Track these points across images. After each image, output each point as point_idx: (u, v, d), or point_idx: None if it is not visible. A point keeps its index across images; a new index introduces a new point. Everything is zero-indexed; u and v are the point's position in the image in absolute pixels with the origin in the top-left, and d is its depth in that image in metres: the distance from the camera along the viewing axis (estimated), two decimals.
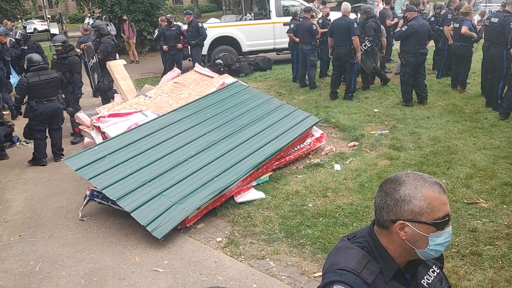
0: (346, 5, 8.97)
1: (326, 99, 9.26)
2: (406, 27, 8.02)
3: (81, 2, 20.98)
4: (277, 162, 5.91)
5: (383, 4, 11.76)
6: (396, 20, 10.62)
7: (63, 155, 6.96)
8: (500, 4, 11.16)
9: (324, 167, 5.92)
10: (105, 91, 9.08)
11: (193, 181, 4.94)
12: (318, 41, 10.25)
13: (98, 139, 6.10)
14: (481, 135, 6.61)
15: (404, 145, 6.40)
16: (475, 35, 8.36)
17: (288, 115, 6.56)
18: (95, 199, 5.06)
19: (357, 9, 11.28)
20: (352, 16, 10.35)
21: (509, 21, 7.08)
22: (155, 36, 14.17)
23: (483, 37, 8.16)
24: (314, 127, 6.66)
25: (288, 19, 11.80)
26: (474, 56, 9.05)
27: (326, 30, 10.22)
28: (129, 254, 4.30)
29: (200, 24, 11.95)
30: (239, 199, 5.13)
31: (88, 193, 5.09)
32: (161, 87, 7.32)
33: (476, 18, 11.02)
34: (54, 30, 25.03)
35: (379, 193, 1.42)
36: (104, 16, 16.47)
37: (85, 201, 5.12)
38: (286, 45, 12.30)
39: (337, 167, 5.89)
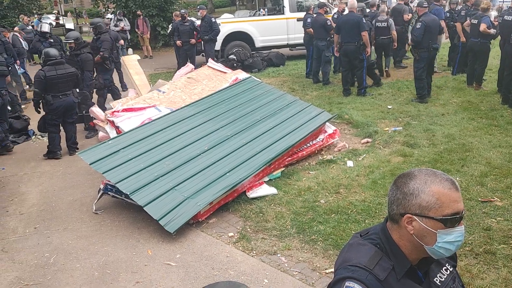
0: (352, 1, 8.94)
1: (340, 95, 9.21)
2: (420, 24, 7.93)
3: None
4: (289, 158, 5.90)
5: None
6: (411, 15, 10.53)
7: (77, 148, 7.04)
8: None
9: (336, 164, 5.90)
10: (100, 88, 8.74)
11: (206, 176, 4.96)
12: (332, 36, 10.19)
13: (112, 133, 6.15)
14: (496, 133, 6.52)
15: (418, 142, 6.35)
16: (493, 31, 8.23)
17: (301, 111, 6.55)
18: (109, 192, 5.11)
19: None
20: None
21: None
22: (169, 31, 14.23)
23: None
24: (327, 123, 6.63)
25: (301, 14, 11.74)
26: (491, 52, 8.92)
27: None
28: (142, 247, 4.34)
29: (213, 20, 11.95)
30: (251, 194, 5.14)
31: (102, 186, 5.14)
32: (175, 82, 7.34)
33: (493, 13, 10.84)
34: (70, 25, 25.04)
35: (392, 186, 1.43)
36: (119, 11, 16.57)
37: (99, 194, 5.18)
38: (300, 41, 12.25)
39: (350, 163, 5.86)
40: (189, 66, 8.52)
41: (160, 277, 3.87)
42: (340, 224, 4.41)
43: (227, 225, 4.67)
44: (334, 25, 10.02)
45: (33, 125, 8.03)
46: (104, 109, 8.14)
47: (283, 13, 13.42)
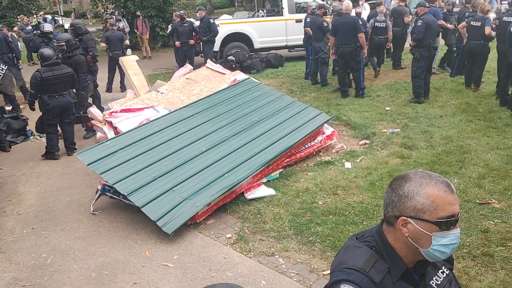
0: (347, 3, 8.99)
1: (338, 96, 9.22)
2: (421, 21, 7.96)
3: None
4: (287, 159, 5.90)
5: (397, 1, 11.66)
6: (411, 17, 10.55)
7: (75, 149, 7.03)
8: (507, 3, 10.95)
9: (334, 165, 5.90)
10: (91, 90, 8.46)
11: (204, 177, 4.96)
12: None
13: (110, 134, 6.15)
14: (494, 135, 6.53)
15: (416, 143, 6.35)
16: (493, 33, 8.26)
17: (299, 112, 6.55)
18: (107, 193, 5.11)
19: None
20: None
21: None
22: (168, 32, 14.22)
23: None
24: (325, 124, 6.64)
25: (300, 16, 11.74)
26: (489, 55, 8.92)
27: None
28: (140, 248, 4.34)
29: (211, 21, 11.94)
30: (249, 195, 5.14)
31: (99, 187, 5.14)
32: (173, 83, 7.34)
33: (492, 15, 10.84)
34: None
35: (387, 189, 1.43)
36: (117, 11, 16.56)
37: (97, 195, 5.18)
38: (298, 42, 12.23)
39: (348, 165, 5.86)
40: (188, 67, 8.52)
41: (157, 278, 3.87)
42: (338, 225, 4.41)
43: (225, 226, 4.67)
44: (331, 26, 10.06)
45: (31, 126, 8.01)
46: (101, 109, 8.13)
47: (282, 15, 13.42)
